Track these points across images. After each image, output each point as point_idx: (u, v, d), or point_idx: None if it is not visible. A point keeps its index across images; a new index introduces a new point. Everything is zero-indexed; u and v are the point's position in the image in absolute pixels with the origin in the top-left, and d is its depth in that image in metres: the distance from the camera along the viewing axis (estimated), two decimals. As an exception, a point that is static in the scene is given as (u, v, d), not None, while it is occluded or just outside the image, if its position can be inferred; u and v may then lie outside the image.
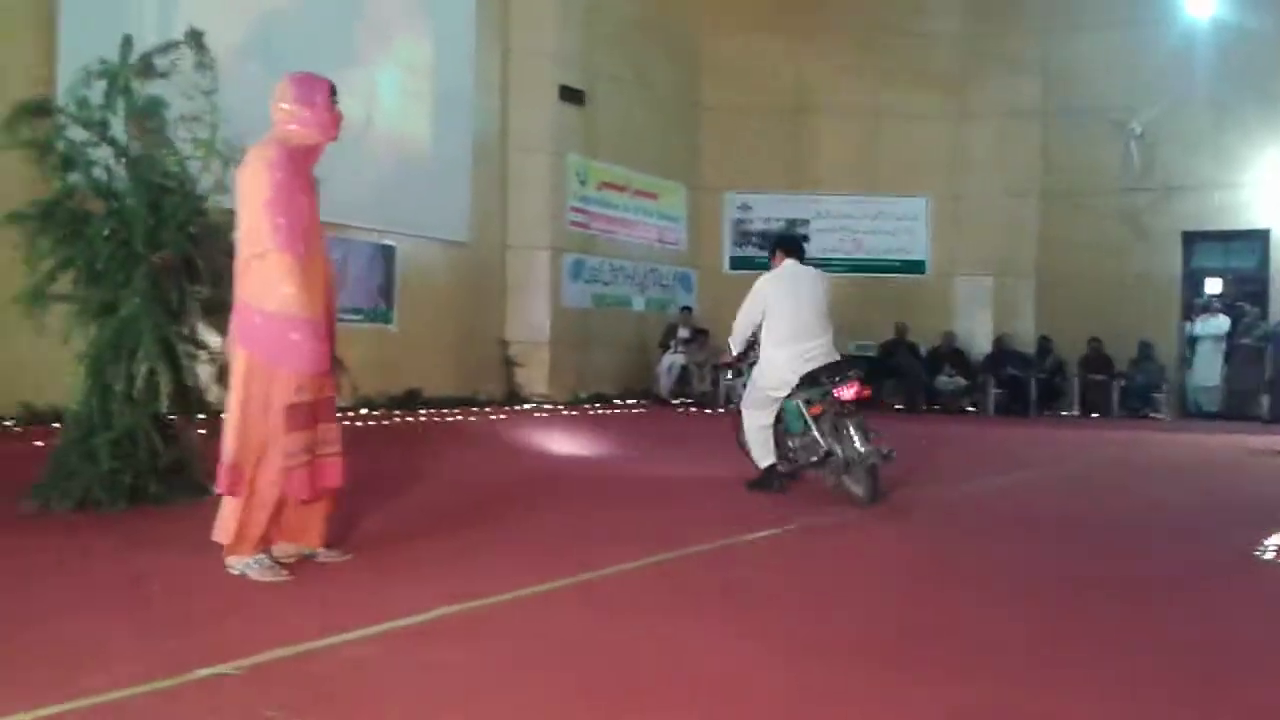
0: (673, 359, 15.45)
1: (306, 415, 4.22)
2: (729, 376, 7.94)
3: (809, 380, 6.57)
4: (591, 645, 3.48)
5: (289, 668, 3.15)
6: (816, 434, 6.49)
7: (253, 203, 4.16)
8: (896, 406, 15.75)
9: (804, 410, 6.56)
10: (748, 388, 6.93)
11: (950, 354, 16.39)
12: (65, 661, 3.11)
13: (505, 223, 14.75)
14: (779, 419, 6.74)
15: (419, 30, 13.57)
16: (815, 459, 6.55)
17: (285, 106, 4.28)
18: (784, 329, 6.66)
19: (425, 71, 13.57)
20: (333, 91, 4.38)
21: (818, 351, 6.64)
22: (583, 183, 15.11)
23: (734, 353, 7.06)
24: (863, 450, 6.33)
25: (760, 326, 6.80)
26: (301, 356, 4.17)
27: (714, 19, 16.98)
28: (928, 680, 3.21)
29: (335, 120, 4.37)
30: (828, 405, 6.47)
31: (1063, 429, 13.94)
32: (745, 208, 17.54)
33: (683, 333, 15.66)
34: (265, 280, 4.15)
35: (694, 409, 14.84)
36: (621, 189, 15.85)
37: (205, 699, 2.85)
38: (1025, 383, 15.89)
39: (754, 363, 6.91)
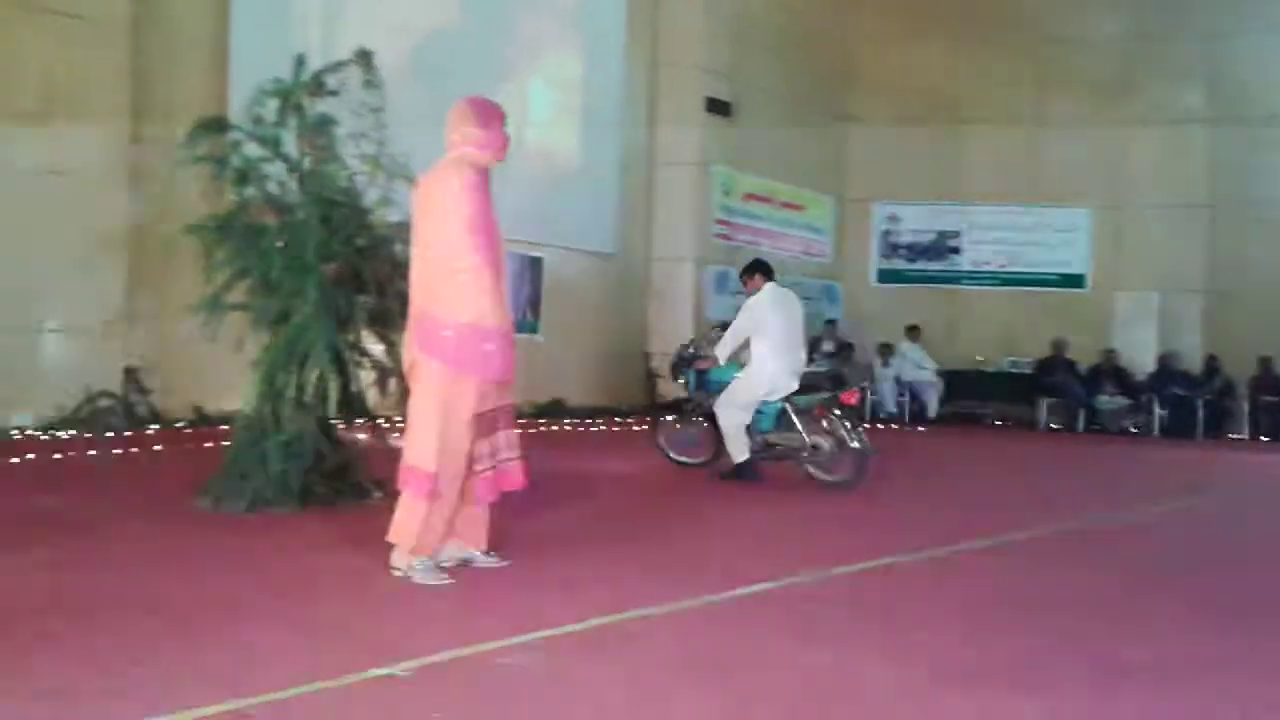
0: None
1: (491, 422, 4.37)
2: (682, 381, 8.51)
3: (811, 386, 7.54)
4: (746, 664, 3.43)
5: (454, 671, 3.20)
6: (803, 431, 7.44)
7: (450, 220, 4.29)
8: (1053, 426, 15.20)
9: (790, 410, 7.48)
10: (730, 391, 7.56)
11: (1111, 372, 15.70)
12: (240, 658, 3.23)
13: (650, 234, 14.85)
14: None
15: (569, 47, 13.79)
16: (802, 452, 7.50)
17: (466, 129, 4.39)
18: (777, 342, 7.52)
19: (574, 87, 13.78)
20: (504, 117, 4.50)
21: (800, 363, 7.70)
22: (728, 194, 15.09)
23: (721, 360, 7.77)
24: (859, 445, 7.33)
25: (748, 340, 7.63)
26: (491, 366, 4.30)
27: (865, 30, 16.77)
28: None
29: (505, 143, 4.50)
30: (830, 407, 7.41)
31: (1233, 453, 13.22)
32: (894, 219, 17.23)
33: (827, 346, 15.45)
34: (463, 293, 4.27)
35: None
36: (767, 200, 15.77)
37: (374, 699, 2.91)
38: (1191, 404, 15.11)
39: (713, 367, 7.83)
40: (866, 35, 16.74)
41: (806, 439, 7.43)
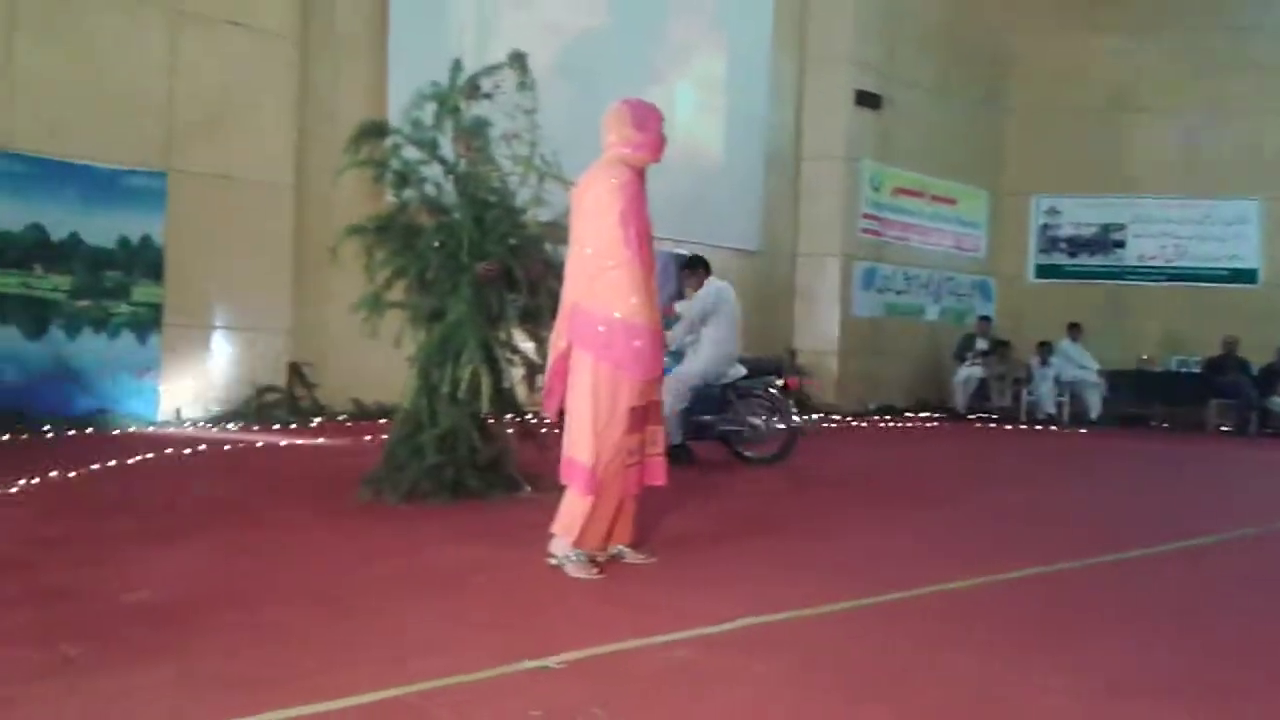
0: (970, 371, 14.86)
1: (641, 417, 4.43)
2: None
3: (759, 372, 8.32)
4: (909, 671, 3.35)
5: (608, 665, 3.22)
6: (745, 413, 8.17)
7: (605, 218, 4.38)
8: (1223, 429, 14.43)
9: (731, 394, 8.15)
10: (679, 375, 7.82)
11: (1288, 372, 14.80)
12: (398, 646, 3.33)
13: (796, 231, 14.72)
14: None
15: (716, 44, 13.78)
16: (742, 431, 8.19)
17: (623, 131, 4.46)
18: (726, 331, 8.07)
19: (720, 84, 13.76)
20: (661, 119, 4.54)
21: (737, 351, 8.25)
22: (876, 189, 14.82)
23: (680, 345, 8.07)
24: (795, 423, 8.34)
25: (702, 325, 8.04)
26: (642, 362, 4.37)
27: (1023, 19, 16.19)
28: None
29: (661, 144, 4.56)
30: (773, 390, 8.24)
31: None
32: (1053, 212, 16.63)
33: (980, 344, 15.04)
34: (617, 289, 4.36)
35: (994, 424, 14.19)
36: (918, 194, 15.43)
37: (529, 690, 2.96)
38: (1377, 405, 14.11)
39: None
40: (1024, 23, 16.16)
41: (747, 419, 8.17)
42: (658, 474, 4.56)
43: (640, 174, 4.54)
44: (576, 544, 4.37)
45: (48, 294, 8.60)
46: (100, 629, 3.40)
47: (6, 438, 7.61)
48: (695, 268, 8.44)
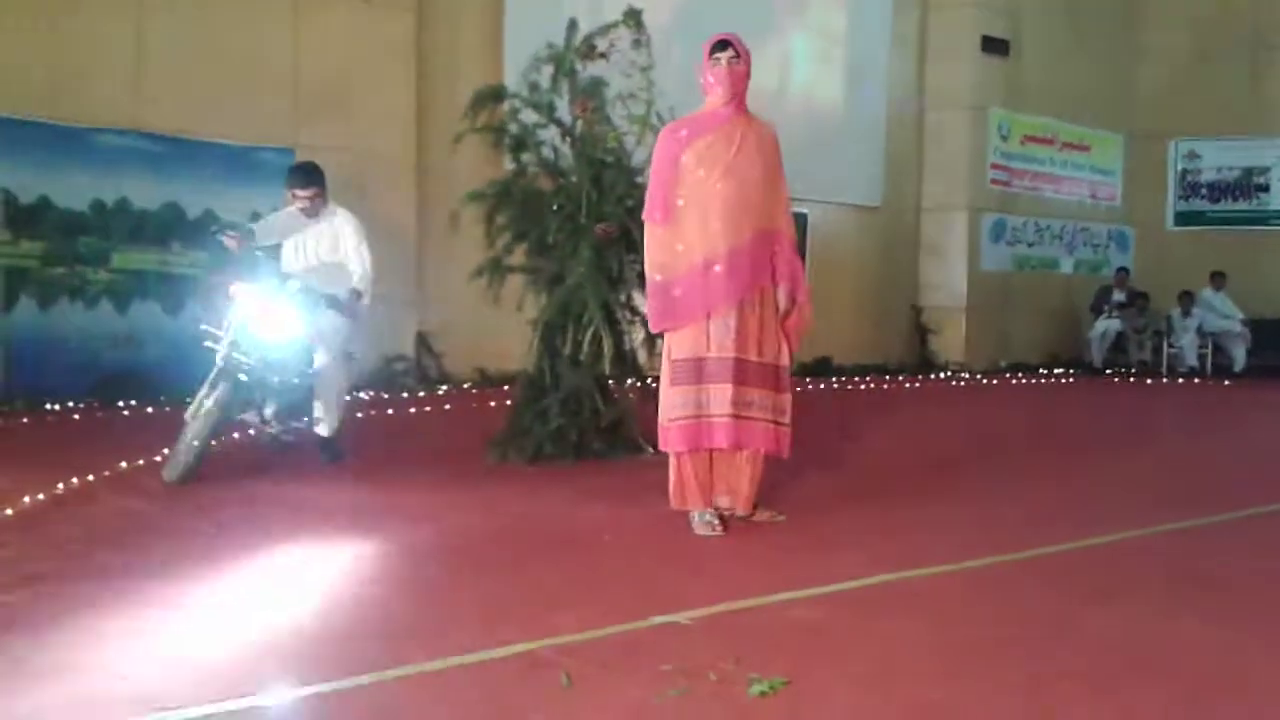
0: (1107, 324, 14.30)
1: (723, 370, 4.24)
2: None
3: None
4: (1043, 629, 3.22)
5: (739, 622, 3.18)
6: None
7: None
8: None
9: None
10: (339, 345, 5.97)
11: None
12: (536, 601, 3.35)
13: (920, 184, 14.32)
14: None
15: (835, -8, 13.43)
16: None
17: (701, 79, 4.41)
18: None
19: (839, 36, 13.43)
20: (717, 46, 4.29)
21: None
22: (1005, 138, 14.31)
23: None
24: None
25: None
26: (671, 314, 4.31)
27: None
28: None
29: (720, 77, 4.28)
30: None
31: None
32: (1194, 156, 15.78)
33: (1118, 296, 14.44)
34: (646, 249, 4.42)
35: (1133, 378, 13.63)
36: (1049, 142, 14.83)
37: (662, 644, 2.94)
38: None
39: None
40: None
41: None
42: (768, 441, 4.32)
43: (710, 118, 4.34)
44: (677, 505, 4.34)
45: (186, 269, 8.90)
46: (250, 582, 3.51)
47: (151, 410, 7.93)
48: (312, 183, 6.11)
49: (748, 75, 4.36)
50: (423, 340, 10.26)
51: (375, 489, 5.24)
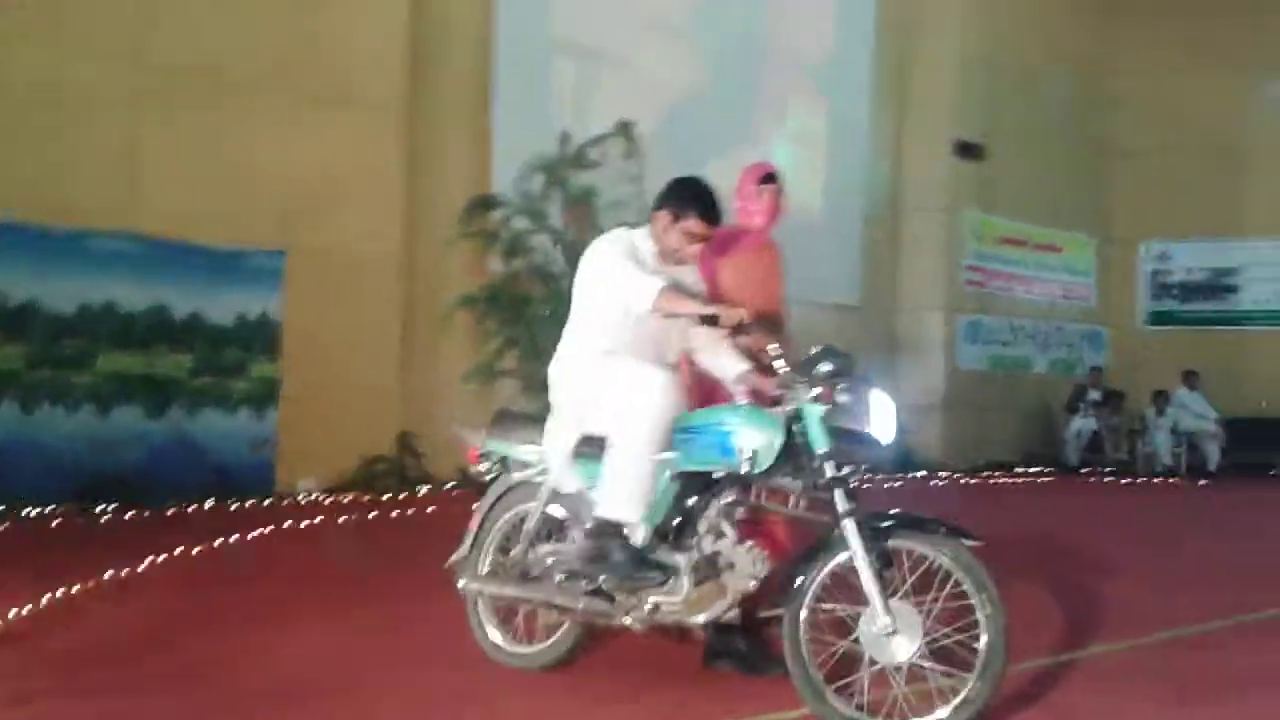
0: (1082, 423, 14.43)
1: None
2: None
3: None
4: None
5: None
6: None
7: None
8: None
9: None
10: None
11: None
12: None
13: (897, 284, 14.53)
14: None
15: (814, 101, 13.83)
16: None
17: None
18: None
19: (818, 139, 13.76)
20: (766, 178, 4.41)
21: None
22: (979, 239, 14.60)
23: None
24: None
25: None
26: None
27: (1126, 60, 15.78)
28: None
29: (762, 207, 4.35)
30: None
31: None
32: (1164, 257, 16.14)
33: (1093, 395, 14.61)
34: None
35: (1109, 478, 13.70)
36: (1021, 243, 15.14)
37: None
38: None
39: None
40: (1126, 67, 15.75)
41: None
42: None
43: (737, 236, 4.41)
44: None
45: (170, 373, 8.86)
46: (239, 710, 3.42)
47: (131, 515, 7.81)
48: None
49: (784, 205, 4.50)
50: (404, 440, 10.19)
51: (359, 601, 5.15)
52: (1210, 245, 15.87)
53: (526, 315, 6.23)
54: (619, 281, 3.61)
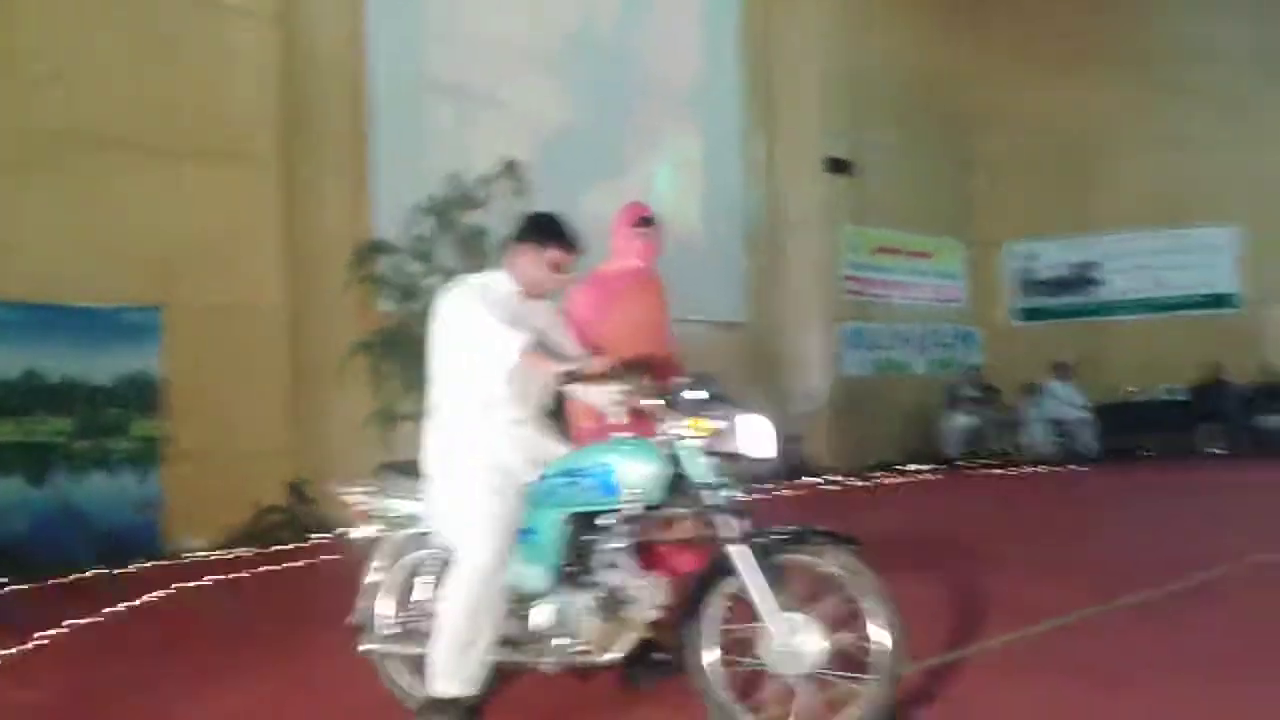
0: (964, 420, 14.98)
1: None
2: None
3: None
4: None
5: None
6: None
7: None
8: (1216, 451, 14.56)
9: None
10: None
11: (1274, 391, 14.96)
12: None
13: (781, 298, 14.90)
14: None
15: (688, 126, 14.13)
16: None
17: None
18: None
19: (695, 164, 14.07)
20: (641, 221, 4.55)
21: None
22: (855, 251, 15.09)
23: None
24: None
25: None
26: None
27: (984, 71, 16.46)
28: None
29: (639, 250, 4.52)
30: None
31: None
32: (1030, 256, 16.91)
33: (970, 391, 15.18)
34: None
35: (992, 470, 14.24)
36: (895, 252, 15.70)
37: None
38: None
39: None
40: (985, 79, 16.45)
41: None
42: None
43: (619, 276, 4.58)
44: None
45: (49, 438, 8.60)
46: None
47: (20, 587, 7.53)
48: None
49: (661, 243, 4.66)
50: (296, 489, 10.04)
51: (275, 659, 5.10)
52: (1071, 242, 16.68)
53: (425, 357, 6.21)
54: (480, 339, 3.60)
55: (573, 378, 3.56)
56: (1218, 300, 16.19)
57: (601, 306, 4.44)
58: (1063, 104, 16.24)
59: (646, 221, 4.58)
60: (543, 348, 3.63)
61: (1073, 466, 14.11)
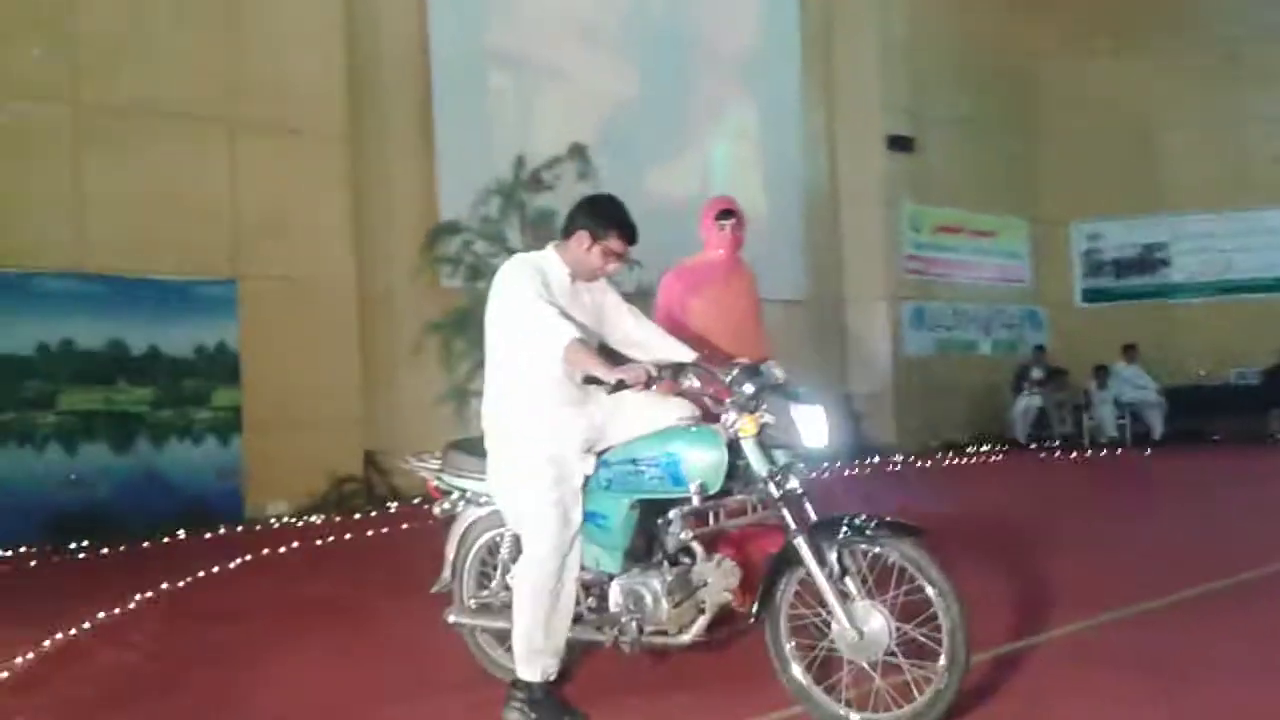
0: (1028, 401, 14.88)
1: None
2: None
3: None
4: None
5: None
6: None
7: None
8: (1286, 438, 14.34)
9: None
10: None
11: (1346, 376, 14.67)
12: None
13: (841, 276, 14.86)
14: None
15: (746, 101, 14.07)
16: None
17: None
18: None
19: (754, 139, 14.02)
20: (722, 214, 4.68)
21: None
22: (917, 230, 14.97)
23: None
24: None
25: None
26: None
27: (1049, 45, 16.27)
28: None
29: (721, 241, 4.80)
30: None
31: None
32: (1095, 236, 16.69)
33: (1036, 373, 15.05)
34: None
35: (1058, 452, 14.14)
36: (958, 230, 15.56)
37: None
38: None
39: None
40: (1048, 51, 16.26)
41: None
42: None
43: (709, 267, 4.79)
44: None
45: (131, 407, 8.90)
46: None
47: (106, 552, 7.84)
48: None
49: (744, 233, 4.87)
50: (371, 459, 10.30)
51: (346, 625, 5.29)
52: (1139, 222, 16.42)
53: (494, 336, 6.36)
54: (531, 325, 3.61)
55: (618, 387, 3.50)
56: (1288, 284, 15.84)
57: (684, 298, 4.57)
58: (1130, 80, 15.96)
59: (728, 214, 4.70)
60: (586, 341, 3.63)
61: (1141, 450, 13.97)
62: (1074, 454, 13.84)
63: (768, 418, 3.52)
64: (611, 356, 3.77)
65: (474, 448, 3.96)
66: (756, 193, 13.93)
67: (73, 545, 7.92)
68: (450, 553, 4.16)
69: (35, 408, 8.43)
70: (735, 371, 3.62)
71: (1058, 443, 14.62)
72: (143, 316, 9.00)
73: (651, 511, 3.70)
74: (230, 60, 9.61)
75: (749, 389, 3.55)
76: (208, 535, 8.53)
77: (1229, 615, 4.90)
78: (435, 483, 4.19)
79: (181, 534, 8.44)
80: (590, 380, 3.53)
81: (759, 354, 4.54)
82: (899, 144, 14.63)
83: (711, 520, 3.75)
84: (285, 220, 9.78)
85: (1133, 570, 5.85)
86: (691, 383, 3.66)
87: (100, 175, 8.91)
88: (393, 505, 9.84)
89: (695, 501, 3.54)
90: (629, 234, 3.76)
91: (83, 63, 8.96)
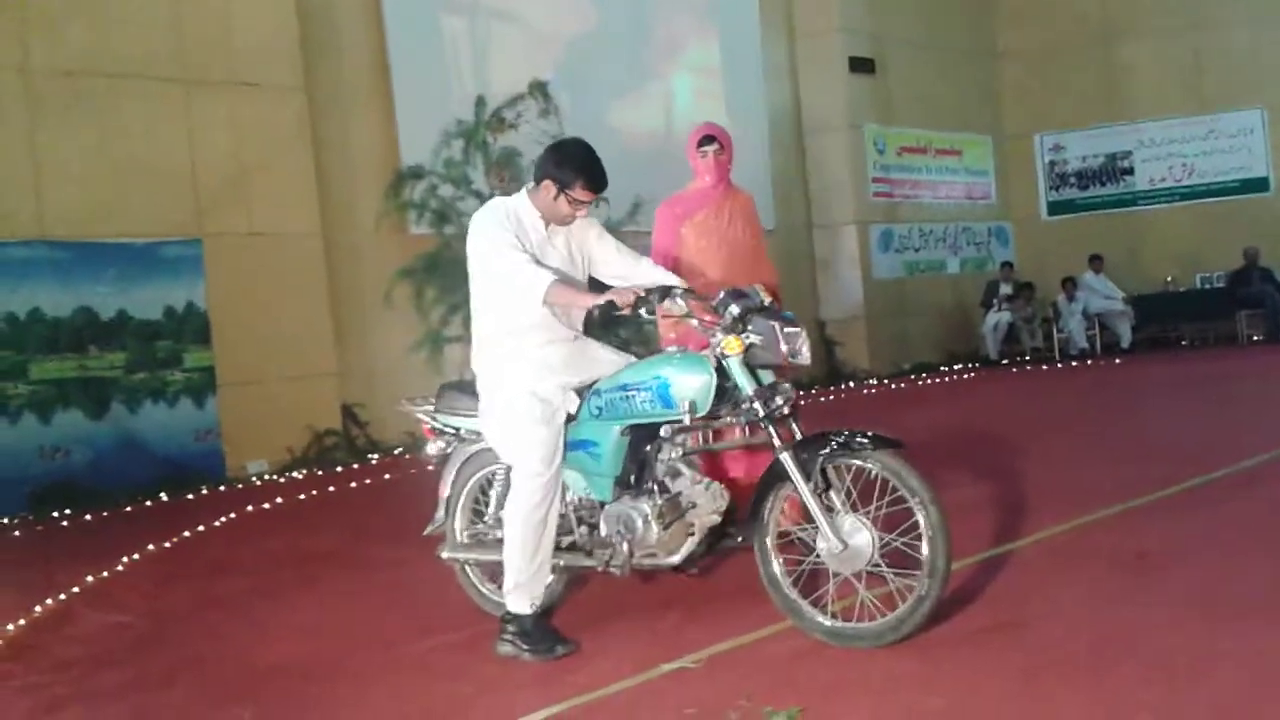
0: (998, 317, 15.01)
1: None
2: None
3: None
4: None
5: (739, 659, 3.42)
6: None
7: None
8: (1255, 338, 14.53)
9: None
10: None
11: (1311, 274, 14.85)
12: (548, 666, 3.56)
13: (808, 203, 14.86)
14: None
15: (706, 33, 13.94)
16: None
17: None
18: None
19: (715, 70, 13.91)
20: (704, 140, 4.70)
21: None
22: (881, 152, 14.96)
23: None
24: None
25: None
26: None
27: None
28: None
29: (706, 168, 4.77)
30: None
31: None
32: (1058, 148, 16.71)
33: (1005, 289, 15.17)
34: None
35: (1029, 366, 14.31)
36: (923, 151, 15.55)
37: (677, 692, 3.17)
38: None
39: None
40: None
41: None
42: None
43: (695, 197, 4.79)
44: None
45: (105, 373, 8.84)
46: (256, 691, 3.62)
47: (89, 518, 7.84)
48: None
49: (731, 159, 4.85)
50: (349, 412, 10.29)
51: (339, 572, 5.33)
52: (1100, 132, 16.45)
53: (467, 279, 6.33)
54: (506, 275, 3.64)
55: (606, 309, 3.59)
56: (1250, 185, 15.94)
57: (674, 226, 4.60)
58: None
59: (709, 140, 4.69)
60: (565, 282, 3.68)
61: (1111, 360, 14.15)
62: (1045, 367, 14.02)
63: (754, 338, 3.57)
64: (600, 290, 3.79)
65: (468, 387, 4.04)
66: (720, 122, 13.77)
67: (55, 515, 7.92)
68: (444, 490, 4.22)
69: (7, 379, 8.35)
70: (721, 295, 3.66)
71: (1029, 357, 14.79)
72: (109, 281, 8.90)
73: (642, 439, 3.77)
74: (180, 16, 9.42)
75: (734, 310, 3.59)
76: (190, 496, 8.53)
77: (1207, 509, 5.03)
78: (430, 424, 4.23)
79: (164, 497, 8.45)
80: (591, 317, 3.64)
81: (758, 279, 4.55)
82: (860, 66, 14.57)
83: (701, 440, 3.84)
84: (247, 176, 9.67)
85: (1110, 475, 5.95)
86: (677, 305, 3.68)
87: (56, 140, 8.76)
88: (373, 457, 9.89)
89: (686, 420, 3.60)
90: (595, 183, 3.73)
91: (30, 26, 8.76)
